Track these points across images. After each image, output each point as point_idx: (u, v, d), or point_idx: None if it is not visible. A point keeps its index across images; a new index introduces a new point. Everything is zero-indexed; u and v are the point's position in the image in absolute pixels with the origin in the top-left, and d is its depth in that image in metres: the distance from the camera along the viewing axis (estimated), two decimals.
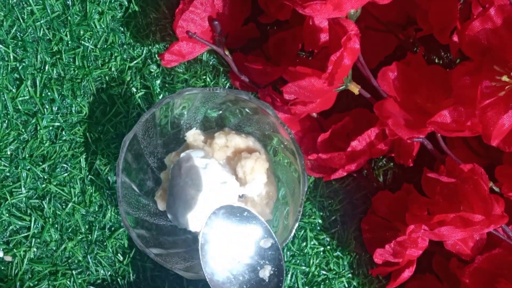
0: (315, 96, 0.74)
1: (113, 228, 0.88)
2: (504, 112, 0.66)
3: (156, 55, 0.88)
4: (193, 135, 0.83)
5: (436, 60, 0.86)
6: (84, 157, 0.88)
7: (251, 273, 0.73)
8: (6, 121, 0.88)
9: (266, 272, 0.73)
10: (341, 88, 0.74)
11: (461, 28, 0.71)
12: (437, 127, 0.71)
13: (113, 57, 0.88)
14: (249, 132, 0.84)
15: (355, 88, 0.76)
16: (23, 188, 0.87)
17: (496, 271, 0.76)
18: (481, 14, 0.68)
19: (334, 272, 0.87)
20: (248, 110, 0.80)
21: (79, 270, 0.87)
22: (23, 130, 0.88)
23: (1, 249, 0.87)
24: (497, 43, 0.68)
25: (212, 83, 0.88)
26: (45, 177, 0.88)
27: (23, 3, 0.88)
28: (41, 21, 0.88)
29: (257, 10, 0.85)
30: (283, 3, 0.80)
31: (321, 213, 0.87)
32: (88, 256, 0.87)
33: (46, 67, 0.88)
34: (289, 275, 0.87)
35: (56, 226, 0.88)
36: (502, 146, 0.69)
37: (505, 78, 0.66)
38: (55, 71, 0.88)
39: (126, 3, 0.89)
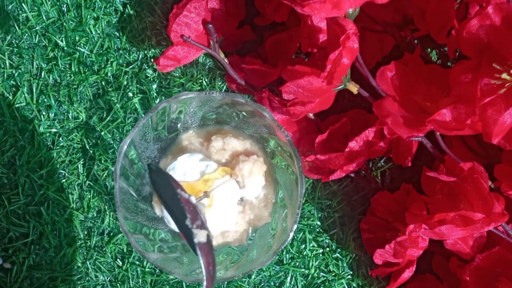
0: (314, 96, 0.74)
1: (112, 234, 0.88)
2: (504, 110, 0.66)
3: (152, 60, 0.88)
4: (189, 138, 0.83)
5: (433, 59, 0.87)
6: (81, 163, 0.88)
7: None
8: (3, 128, 0.88)
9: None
10: (340, 87, 0.74)
11: (458, 27, 0.71)
12: (436, 125, 0.71)
13: (109, 62, 0.88)
14: (246, 135, 0.84)
15: (353, 88, 0.75)
16: (21, 195, 0.87)
17: (497, 270, 0.76)
18: (478, 13, 0.68)
19: (333, 274, 0.87)
20: (244, 113, 0.80)
21: (78, 276, 0.87)
22: (20, 136, 0.87)
23: (0, 256, 0.87)
24: (495, 41, 0.68)
25: (209, 86, 0.88)
26: (43, 184, 0.87)
27: (18, 9, 0.88)
28: (37, 28, 0.88)
29: (252, 13, 0.85)
30: (280, 4, 0.80)
31: (320, 215, 0.87)
32: (87, 262, 0.87)
33: (42, 74, 0.88)
34: (289, 278, 0.87)
35: (55, 232, 0.87)
36: (503, 144, 0.69)
37: (505, 75, 0.66)
38: (51, 77, 0.88)
39: (121, 8, 0.88)
